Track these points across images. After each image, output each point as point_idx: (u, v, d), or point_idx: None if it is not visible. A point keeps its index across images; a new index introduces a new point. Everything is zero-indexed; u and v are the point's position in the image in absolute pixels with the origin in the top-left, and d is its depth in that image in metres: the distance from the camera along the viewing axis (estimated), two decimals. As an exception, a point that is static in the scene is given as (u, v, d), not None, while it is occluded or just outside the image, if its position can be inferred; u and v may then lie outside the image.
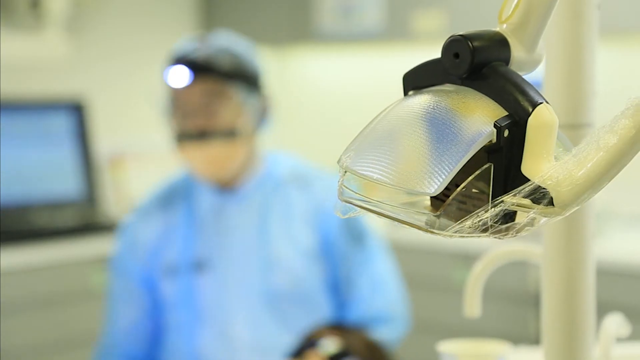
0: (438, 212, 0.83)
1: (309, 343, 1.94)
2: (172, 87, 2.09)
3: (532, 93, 0.81)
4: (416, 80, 0.88)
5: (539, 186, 0.79)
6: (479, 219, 0.80)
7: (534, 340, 3.07)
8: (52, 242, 3.45)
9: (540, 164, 0.79)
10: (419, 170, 0.80)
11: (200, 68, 2.06)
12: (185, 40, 2.21)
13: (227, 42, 2.14)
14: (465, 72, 0.83)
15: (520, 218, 0.81)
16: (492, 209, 0.79)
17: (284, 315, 2.06)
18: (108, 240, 3.10)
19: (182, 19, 4.39)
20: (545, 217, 0.80)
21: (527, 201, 0.79)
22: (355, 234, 2.15)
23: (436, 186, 0.78)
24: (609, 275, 2.99)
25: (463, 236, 0.83)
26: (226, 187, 2.15)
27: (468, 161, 0.80)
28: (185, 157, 2.11)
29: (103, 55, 4.10)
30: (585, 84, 1.10)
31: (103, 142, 3.99)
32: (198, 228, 2.12)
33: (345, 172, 0.85)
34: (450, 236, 0.83)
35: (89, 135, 3.82)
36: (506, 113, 0.80)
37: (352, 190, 0.86)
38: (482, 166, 0.80)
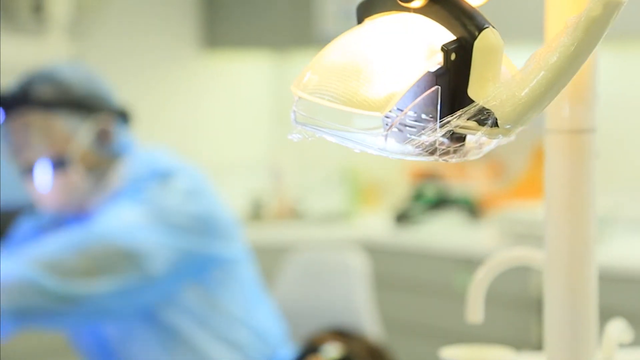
0: (386, 132, 0.84)
1: (311, 349, 1.93)
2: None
3: (478, 18, 0.83)
4: (369, 10, 0.91)
5: (484, 107, 0.80)
6: (426, 140, 0.82)
7: (537, 346, 3.06)
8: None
9: (486, 86, 0.81)
10: (369, 93, 0.82)
11: (12, 102, 2.00)
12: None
13: (50, 70, 2.05)
14: (414, 0, 0.85)
15: (469, 141, 0.84)
16: (439, 130, 0.81)
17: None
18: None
19: (184, 23, 4.39)
20: (491, 138, 0.82)
21: (473, 123, 0.81)
22: None
23: (386, 107, 0.80)
24: (611, 280, 2.98)
25: (412, 158, 0.85)
26: (80, 214, 2.05)
27: (420, 87, 0.82)
28: (30, 192, 2.05)
29: (105, 59, 4.10)
30: (588, 89, 1.10)
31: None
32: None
33: (299, 98, 0.87)
34: (399, 157, 0.85)
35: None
36: (455, 37, 0.82)
37: (305, 116, 0.88)
38: (432, 90, 0.82)
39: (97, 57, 4.05)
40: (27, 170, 1.99)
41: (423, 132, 0.82)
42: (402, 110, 0.83)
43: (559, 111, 1.10)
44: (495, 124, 0.81)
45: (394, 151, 0.85)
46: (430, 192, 3.85)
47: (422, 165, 3.96)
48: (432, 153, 0.83)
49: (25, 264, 1.84)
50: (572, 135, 1.10)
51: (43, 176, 1.98)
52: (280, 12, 4.10)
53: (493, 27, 0.83)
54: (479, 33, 0.82)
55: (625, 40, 3.43)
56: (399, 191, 4.13)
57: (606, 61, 3.14)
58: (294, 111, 0.88)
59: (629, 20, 3.12)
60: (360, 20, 0.91)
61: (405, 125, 0.84)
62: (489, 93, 0.81)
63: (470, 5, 0.84)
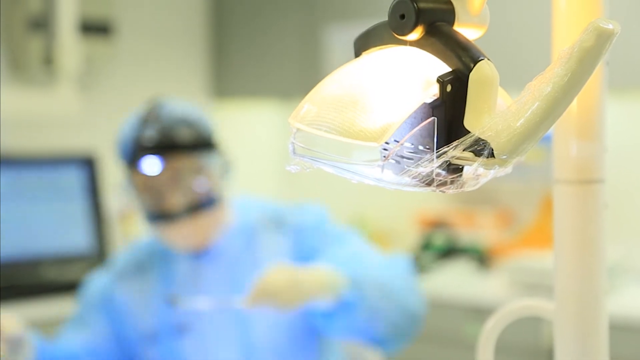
0: (383, 162, 0.85)
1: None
2: (135, 172, 2.05)
3: (473, 50, 0.84)
4: (366, 43, 0.92)
5: (480, 138, 0.81)
6: (423, 171, 0.83)
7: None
8: (63, 296, 3.44)
9: (482, 117, 0.82)
10: (366, 124, 0.82)
11: (161, 150, 2.02)
12: (135, 119, 2.11)
13: (180, 112, 2.08)
14: (411, 33, 0.86)
15: (466, 173, 0.84)
16: (435, 161, 0.81)
17: None
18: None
19: (193, 73, 4.42)
20: (488, 169, 0.82)
21: (469, 154, 0.82)
22: (334, 236, 2.11)
23: (382, 137, 0.81)
24: (622, 330, 2.96)
25: (408, 188, 0.85)
26: (200, 248, 2.10)
27: (416, 119, 0.83)
28: (167, 235, 2.06)
29: (114, 110, 4.12)
30: (596, 140, 1.10)
31: (113, 196, 4.00)
32: (175, 292, 2.08)
33: (297, 130, 0.88)
34: (396, 187, 0.86)
35: (99, 190, 3.83)
36: (451, 69, 0.83)
37: (303, 147, 0.89)
38: (428, 121, 0.83)
39: (106, 108, 4.08)
40: (178, 215, 2.01)
41: (420, 163, 0.83)
42: (398, 142, 0.84)
43: (567, 161, 1.10)
44: (491, 155, 0.82)
45: (390, 182, 0.85)
46: (439, 240, 3.84)
47: (432, 213, 3.95)
48: (429, 184, 0.84)
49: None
50: (580, 185, 1.10)
51: (196, 217, 2.02)
52: (287, 62, 4.12)
53: (488, 59, 0.84)
54: (474, 65, 0.83)
55: (632, 90, 3.44)
56: (408, 240, 4.13)
57: (613, 112, 3.14)
58: (292, 143, 0.89)
59: (635, 70, 3.13)
60: (357, 54, 0.93)
61: (402, 157, 0.85)
62: (484, 124, 0.82)
63: (465, 38, 0.85)
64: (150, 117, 2.06)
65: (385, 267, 2.00)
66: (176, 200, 2.00)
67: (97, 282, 2.18)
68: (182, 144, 2.02)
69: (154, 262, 2.13)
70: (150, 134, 2.02)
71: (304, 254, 2.09)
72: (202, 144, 2.05)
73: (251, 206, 2.18)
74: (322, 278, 1.87)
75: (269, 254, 2.09)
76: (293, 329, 2.06)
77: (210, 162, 2.05)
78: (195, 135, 2.04)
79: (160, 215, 2.02)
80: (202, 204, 2.01)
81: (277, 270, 1.86)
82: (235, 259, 2.08)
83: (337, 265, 1.95)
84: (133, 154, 2.03)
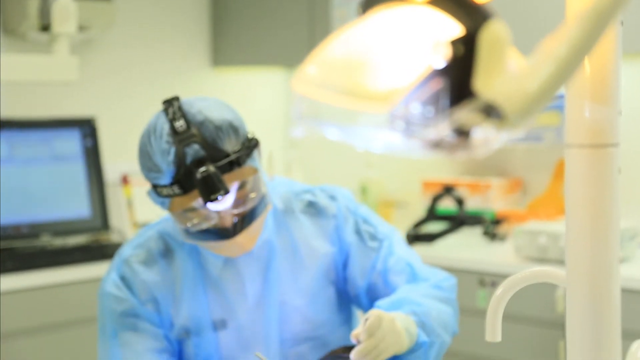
0: (392, 124, 0.83)
1: (333, 359, 1.91)
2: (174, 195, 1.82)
3: (484, 9, 0.82)
4: (373, 2, 0.90)
5: (490, 100, 0.79)
6: (431, 134, 0.81)
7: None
8: (64, 263, 3.44)
9: (492, 79, 0.80)
10: (374, 86, 0.81)
11: (227, 167, 1.79)
12: (163, 130, 1.81)
13: (217, 115, 1.83)
14: None
15: (476, 135, 0.82)
16: (444, 124, 0.79)
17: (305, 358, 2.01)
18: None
19: (192, 41, 4.39)
20: (498, 132, 0.80)
21: (479, 116, 0.80)
22: (371, 234, 2.09)
23: (392, 100, 0.79)
24: (635, 298, 2.94)
25: (416, 153, 0.83)
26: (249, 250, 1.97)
27: (426, 81, 0.81)
28: (212, 246, 1.89)
29: (113, 75, 4.11)
30: (610, 103, 1.08)
31: (113, 162, 3.99)
32: (211, 286, 1.98)
33: (302, 92, 0.85)
34: (404, 153, 0.84)
35: (99, 155, 3.81)
36: (461, 29, 0.81)
37: (309, 110, 0.86)
38: (437, 83, 0.80)
39: (105, 73, 4.06)
40: (222, 233, 1.83)
41: (428, 126, 0.81)
42: (407, 104, 0.81)
43: (580, 125, 1.08)
44: (502, 117, 0.80)
45: (398, 147, 0.83)
46: (448, 208, 3.82)
47: (440, 181, 3.93)
48: (438, 148, 0.82)
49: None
50: (594, 150, 1.07)
51: (247, 228, 1.85)
52: (293, 28, 4.09)
53: (499, 18, 0.81)
54: (485, 24, 0.80)
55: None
56: (416, 207, 4.11)
57: (628, 75, 3.11)
58: (297, 106, 0.86)
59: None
60: (364, 12, 0.90)
61: (411, 120, 0.82)
62: (495, 86, 0.80)
63: None
64: (182, 128, 1.79)
65: (440, 297, 2.01)
66: (231, 217, 1.83)
67: (121, 284, 1.97)
68: (232, 156, 1.80)
69: (182, 250, 1.98)
70: (194, 151, 1.77)
71: (336, 240, 2.05)
72: (250, 146, 1.85)
73: (276, 188, 2.07)
74: (405, 326, 1.86)
75: (302, 239, 2.03)
76: (329, 321, 2.04)
77: (257, 161, 1.88)
78: (241, 140, 1.84)
79: (210, 233, 1.84)
80: (258, 212, 1.86)
81: (381, 314, 1.81)
82: (268, 245, 2.00)
83: (400, 295, 1.95)
84: (172, 176, 1.79)
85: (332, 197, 2.08)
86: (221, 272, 1.97)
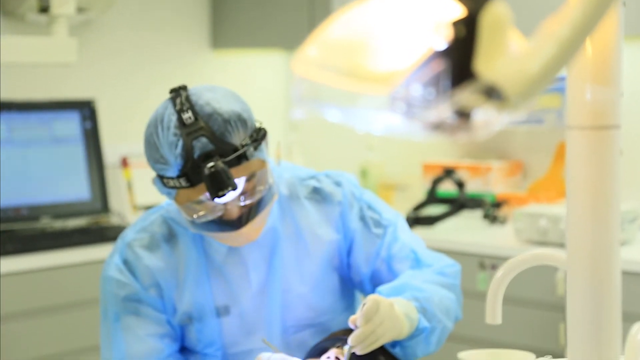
0: (393, 106, 0.82)
1: (335, 341, 1.91)
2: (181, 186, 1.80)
3: None
4: None
5: (492, 82, 0.79)
6: (432, 116, 0.81)
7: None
8: (63, 246, 3.44)
9: (494, 60, 0.80)
10: (375, 67, 0.81)
11: (236, 160, 1.77)
12: (171, 121, 1.79)
13: (225, 107, 1.80)
14: None
15: (477, 117, 0.82)
16: (445, 105, 0.79)
17: (308, 346, 2.00)
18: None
19: (192, 23, 4.37)
20: (499, 113, 0.80)
21: (480, 98, 0.79)
22: (375, 221, 2.07)
23: (393, 81, 0.78)
24: (635, 281, 2.94)
25: (417, 136, 0.83)
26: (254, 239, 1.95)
27: (427, 62, 0.80)
28: (218, 236, 1.88)
29: (112, 57, 4.09)
30: (611, 84, 1.07)
31: (112, 144, 3.99)
32: (214, 272, 1.96)
33: (302, 74, 0.84)
34: (404, 136, 0.83)
35: (99, 137, 3.81)
36: (462, 11, 0.81)
37: (309, 92, 0.85)
38: (439, 65, 0.80)
39: (105, 55, 4.05)
40: (229, 224, 1.82)
41: (429, 107, 0.80)
42: (408, 86, 0.81)
43: (581, 107, 1.07)
44: (503, 99, 0.79)
45: (399, 129, 0.82)
46: (448, 191, 3.82)
47: (441, 163, 3.93)
48: (439, 130, 0.81)
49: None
50: (595, 131, 1.07)
51: (254, 218, 1.84)
52: (289, 11, 4.07)
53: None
54: (486, 5, 0.80)
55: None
56: (416, 190, 4.11)
57: (629, 57, 3.10)
58: (298, 88, 0.86)
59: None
60: None
61: (412, 102, 0.82)
62: (496, 67, 0.79)
63: None
64: (190, 120, 1.77)
65: (444, 284, 2.00)
66: (238, 209, 1.81)
67: (124, 268, 1.95)
68: (241, 150, 1.78)
69: (186, 236, 1.97)
70: (202, 144, 1.76)
71: (341, 227, 2.04)
72: (259, 138, 1.83)
73: (280, 174, 2.04)
74: (405, 312, 1.85)
75: (306, 226, 2.02)
76: (332, 308, 2.04)
77: (264, 152, 1.85)
78: (249, 132, 1.81)
79: (216, 224, 1.83)
80: (264, 203, 1.85)
81: (378, 299, 1.79)
82: (272, 232, 1.99)
83: (402, 281, 1.94)
84: (179, 169, 1.77)
85: (338, 183, 2.07)
86: (225, 259, 1.96)
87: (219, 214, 1.81)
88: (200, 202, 1.80)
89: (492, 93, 0.80)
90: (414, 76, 0.81)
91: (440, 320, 1.92)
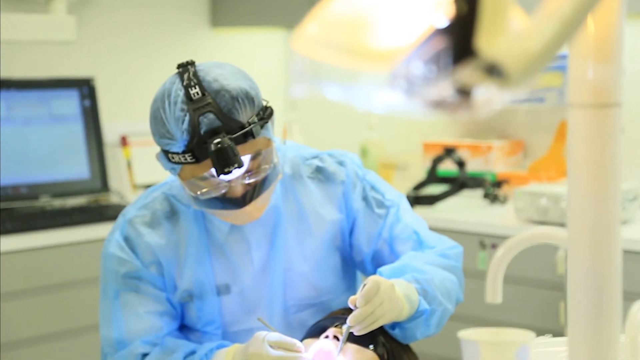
0: (393, 83, 0.82)
1: (333, 320, 1.91)
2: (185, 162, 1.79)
3: None
4: None
5: (493, 59, 0.78)
6: (433, 93, 0.80)
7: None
8: (63, 224, 3.44)
9: (495, 37, 0.79)
10: (376, 44, 0.80)
11: (243, 138, 1.76)
12: (177, 96, 1.77)
13: (233, 84, 1.79)
14: None
15: (478, 95, 0.81)
16: (446, 83, 0.79)
17: (308, 326, 2.00)
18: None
19: (190, 0, 4.35)
20: (500, 91, 0.80)
21: (481, 75, 0.79)
22: (378, 201, 2.07)
23: (394, 59, 0.78)
24: (637, 261, 2.94)
25: (417, 114, 0.82)
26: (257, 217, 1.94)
27: (428, 39, 0.80)
28: (221, 214, 1.87)
29: (112, 35, 4.08)
30: (613, 62, 1.06)
31: (112, 123, 3.98)
32: (216, 250, 1.96)
33: (301, 52, 0.84)
34: (405, 114, 0.83)
35: (98, 115, 3.80)
36: None
37: (309, 69, 0.85)
38: (440, 42, 0.79)
39: (104, 33, 4.04)
40: (233, 202, 1.81)
41: (430, 85, 0.79)
42: (409, 64, 0.80)
43: (583, 84, 1.07)
44: (504, 76, 0.79)
45: (399, 107, 0.82)
46: (448, 170, 3.81)
47: (441, 142, 3.92)
48: (439, 108, 0.81)
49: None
50: (596, 109, 1.06)
51: (258, 197, 1.83)
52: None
53: None
54: None
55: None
56: (416, 169, 4.10)
57: (632, 35, 3.09)
58: (297, 66, 0.85)
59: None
60: None
61: (412, 79, 0.81)
62: (498, 45, 0.79)
63: None
64: (198, 96, 1.76)
65: (445, 266, 1.99)
66: (242, 187, 1.81)
67: (125, 245, 1.95)
68: (247, 128, 1.76)
69: (187, 213, 1.96)
70: (209, 121, 1.75)
71: (343, 207, 2.04)
72: (265, 117, 1.82)
73: (284, 153, 2.03)
74: (405, 294, 1.84)
75: (309, 205, 2.01)
76: (334, 288, 2.03)
77: (270, 131, 1.85)
78: (257, 110, 1.80)
79: (219, 201, 1.82)
80: (269, 182, 1.84)
81: (379, 280, 1.79)
82: (275, 210, 1.98)
83: (403, 262, 1.94)
84: (185, 144, 1.76)
85: (341, 163, 2.06)
86: (227, 237, 1.96)
87: (223, 191, 1.81)
88: (204, 179, 1.79)
89: (493, 70, 0.79)
90: (415, 53, 0.81)
91: (440, 302, 1.91)
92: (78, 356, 3.42)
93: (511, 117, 3.97)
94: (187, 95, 1.77)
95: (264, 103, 1.85)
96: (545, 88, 3.58)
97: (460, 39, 0.80)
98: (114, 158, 3.92)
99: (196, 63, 1.84)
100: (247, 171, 1.80)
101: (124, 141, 3.95)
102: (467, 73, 0.79)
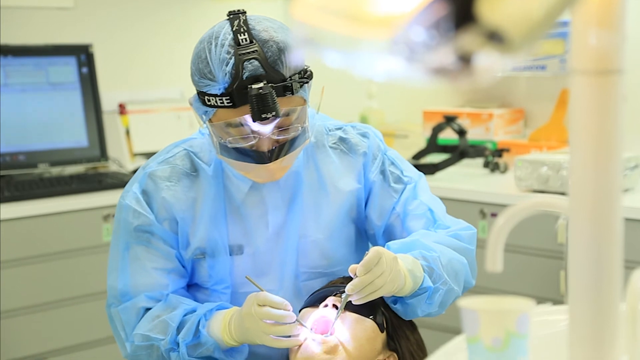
0: (393, 49, 0.81)
1: (333, 289, 1.90)
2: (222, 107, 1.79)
3: None
4: None
5: (494, 25, 0.77)
6: (434, 60, 0.79)
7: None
8: (61, 193, 3.43)
9: (497, 3, 0.78)
10: (376, 9, 0.79)
11: (269, 91, 1.75)
12: (224, 40, 1.79)
13: (281, 37, 1.81)
14: None
15: (479, 62, 0.80)
16: (447, 49, 0.78)
17: None
18: (119, 191, 3.08)
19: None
20: (501, 57, 0.79)
21: (483, 41, 0.78)
22: (395, 177, 2.06)
23: (395, 25, 0.77)
24: (638, 229, 2.93)
25: (418, 81, 0.81)
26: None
27: (429, 5, 0.79)
28: (245, 168, 1.86)
29: (110, 3, 4.06)
30: (615, 28, 1.05)
31: (110, 91, 3.97)
32: (232, 210, 1.96)
33: (300, 18, 0.83)
34: (405, 81, 0.82)
35: (96, 83, 3.78)
36: None
37: (305, 38, 0.84)
38: (441, 8, 0.79)
39: (100, 2, 4.02)
40: (263, 156, 1.81)
41: (431, 51, 0.78)
42: (410, 30, 0.79)
43: (585, 51, 1.05)
44: (506, 42, 0.78)
45: (400, 75, 0.81)
46: (449, 139, 3.80)
47: (441, 111, 3.91)
48: (440, 75, 0.80)
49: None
50: (599, 76, 1.05)
51: (287, 155, 1.84)
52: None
53: None
54: None
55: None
56: (417, 138, 4.09)
57: (634, 2, 3.07)
58: (296, 32, 0.84)
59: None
60: None
61: (413, 45, 0.80)
62: (500, 10, 0.77)
63: None
64: (246, 42, 1.78)
65: (456, 247, 1.98)
66: (270, 143, 1.81)
67: (141, 198, 1.95)
68: (288, 82, 1.79)
69: (206, 171, 1.96)
70: (253, 67, 1.76)
71: (362, 178, 2.04)
72: (305, 77, 1.84)
73: (313, 121, 2.01)
74: (410, 269, 1.84)
75: (328, 175, 2.02)
76: (346, 259, 2.03)
77: (307, 93, 1.86)
78: (299, 69, 1.82)
79: (244, 154, 1.83)
80: (297, 143, 1.85)
81: (381, 251, 1.78)
82: (295, 176, 1.99)
83: (413, 238, 1.94)
84: (225, 87, 1.77)
85: (364, 135, 2.07)
86: (245, 198, 1.96)
87: (252, 142, 1.81)
88: (236, 126, 1.80)
89: (494, 37, 0.78)
90: (416, 20, 0.79)
91: (445, 281, 1.90)
92: (77, 322, 3.43)
93: (512, 85, 3.95)
94: (235, 39, 1.79)
95: (305, 66, 1.86)
96: (546, 56, 3.56)
97: (461, 5, 0.79)
98: (113, 126, 3.91)
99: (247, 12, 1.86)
100: (278, 126, 1.80)
101: (122, 109, 3.94)
102: (468, 39, 0.78)
